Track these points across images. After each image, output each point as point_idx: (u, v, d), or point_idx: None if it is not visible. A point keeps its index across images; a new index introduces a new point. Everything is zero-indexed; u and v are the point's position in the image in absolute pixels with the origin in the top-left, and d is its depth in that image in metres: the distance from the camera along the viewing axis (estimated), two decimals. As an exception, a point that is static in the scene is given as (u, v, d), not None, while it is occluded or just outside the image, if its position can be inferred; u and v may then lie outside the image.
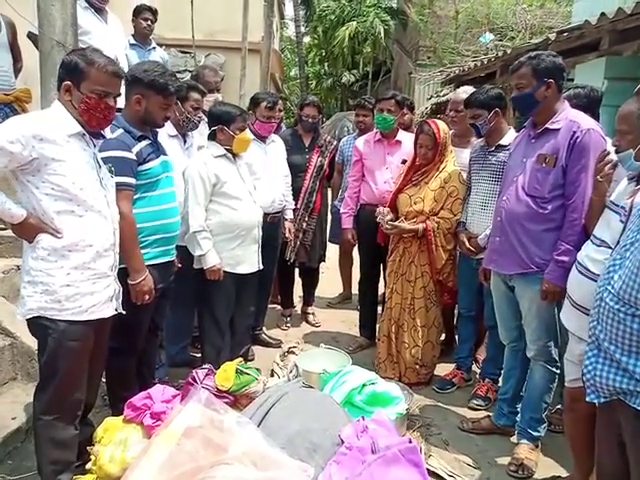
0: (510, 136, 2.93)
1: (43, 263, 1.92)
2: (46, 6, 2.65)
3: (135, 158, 2.29)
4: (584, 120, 2.35)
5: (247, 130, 3.08)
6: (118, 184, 2.19)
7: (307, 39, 24.82)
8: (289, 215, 3.85)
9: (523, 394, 2.73)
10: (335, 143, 4.29)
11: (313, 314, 4.47)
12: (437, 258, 3.23)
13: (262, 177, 3.44)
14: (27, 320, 1.99)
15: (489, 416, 2.92)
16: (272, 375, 3.20)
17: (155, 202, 2.42)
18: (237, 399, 2.61)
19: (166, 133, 2.92)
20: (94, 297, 2.01)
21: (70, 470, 2.11)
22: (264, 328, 3.98)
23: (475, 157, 3.12)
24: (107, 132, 2.33)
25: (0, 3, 3.40)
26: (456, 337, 3.76)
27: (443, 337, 3.72)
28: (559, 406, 2.84)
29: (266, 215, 3.33)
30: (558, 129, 2.37)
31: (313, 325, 4.38)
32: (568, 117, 2.37)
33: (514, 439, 2.73)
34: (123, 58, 4.08)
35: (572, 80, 4.39)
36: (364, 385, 2.60)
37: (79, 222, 1.95)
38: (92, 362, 2.12)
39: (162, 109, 2.35)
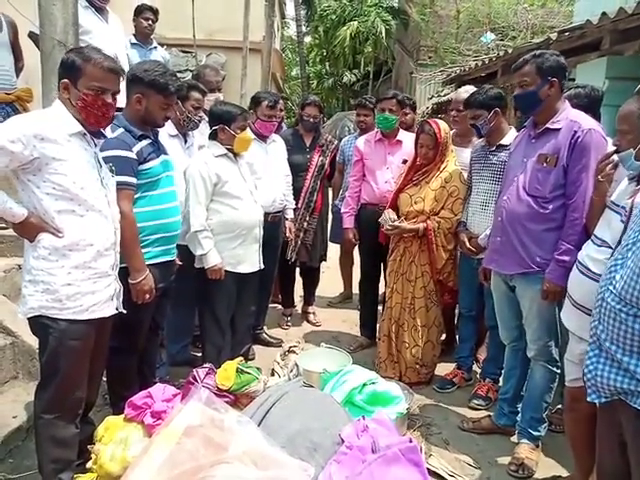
0: (511, 136, 2.93)
1: (44, 262, 1.92)
2: (47, 5, 2.65)
3: (136, 157, 2.29)
4: (585, 120, 2.35)
5: (248, 129, 3.08)
6: (119, 183, 2.19)
7: (308, 39, 24.80)
8: (290, 215, 3.86)
9: (524, 394, 2.73)
10: (336, 143, 4.29)
11: (314, 313, 4.47)
12: (437, 258, 3.23)
13: (263, 176, 3.44)
14: (28, 319, 1.99)
15: (489, 416, 2.92)
16: (273, 374, 3.20)
17: (156, 201, 2.42)
18: (238, 398, 2.61)
19: (167, 132, 2.92)
20: (95, 296, 2.01)
21: (71, 469, 2.12)
22: (265, 327, 3.99)
23: (476, 157, 3.12)
24: (108, 131, 2.34)
25: (1, 3, 3.41)
26: (457, 337, 3.76)
27: (444, 337, 3.72)
28: (559, 406, 2.84)
29: (267, 215, 3.33)
30: (559, 129, 2.37)
31: (314, 324, 4.38)
32: (569, 117, 2.37)
33: (514, 439, 2.73)
34: (124, 57, 4.09)
35: (573, 80, 4.39)
36: (364, 384, 2.60)
37: (80, 221, 1.95)
38: (93, 361, 2.12)
39: (162, 109, 2.35)
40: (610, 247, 1.89)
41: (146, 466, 1.80)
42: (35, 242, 1.92)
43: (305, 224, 4.05)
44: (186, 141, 3.17)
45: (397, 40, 18.03)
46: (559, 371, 2.53)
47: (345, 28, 18.77)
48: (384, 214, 3.33)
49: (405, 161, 3.57)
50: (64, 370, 1.99)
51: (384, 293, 3.76)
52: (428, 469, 2.21)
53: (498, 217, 2.60)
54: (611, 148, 2.11)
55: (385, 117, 3.62)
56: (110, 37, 3.92)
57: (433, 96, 11.01)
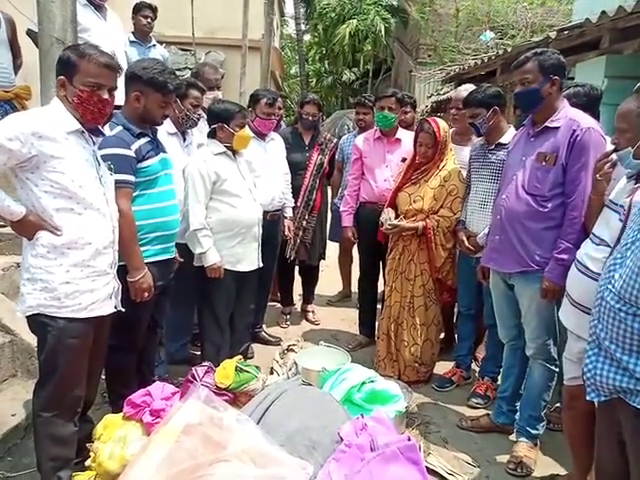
0: (510, 134, 2.93)
1: (42, 260, 1.92)
2: (46, 3, 2.64)
3: (134, 155, 2.29)
4: (584, 119, 2.35)
5: (247, 127, 3.08)
6: (117, 182, 2.19)
7: (307, 37, 24.77)
8: (289, 213, 3.85)
9: (522, 392, 2.73)
10: (335, 141, 4.29)
11: (313, 312, 4.47)
12: (436, 256, 3.24)
13: (262, 175, 3.43)
14: (27, 317, 1.99)
15: (488, 414, 2.93)
16: (272, 373, 3.20)
17: (154, 200, 2.42)
18: (236, 397, 2.61)
19: (165, 131, 2.92)
20: (93, 294, 2.01)
21: (69, 467, 2.12)
22: (264, 326, 3.99)
23: (475, 155, 3.12)
24: (106, 129, 2.33)
25: (0, 0, 3.40)
26: (455, 335, 3.76)
27: (442, 335, 3.72)
28: (558, 404, 2.85)
29: (266, 213, 3.33)
30: (558, 127, 2.37)
31: (313, 323, 4.38)
32: (568, 115, 2.37)
33: (513, 437, 2.74)
34: (123, 55, 4.08)
35: (572, 78, 4.39)
36: (363, 383, 2.60)
37: (78, 220, 1.95)
38: (91, 359, 2.12)
39: (161, 107, 2.35)
40: (608, 246, 1.89)
41: (145, 464, 1.80)
42: (33, 240, 1.92)
43: (304, 223, 4.04)
44: (185, 139, 3.16)
45: (396, 38, 18.01)
46: (557, 370, 2.54)
47: (344, 26, 18.74)
48: (384, 213, 3.33)
49: (404, 159, 3.57)
50: (63, 368, 1.99)
51: (383, 292, 3.76)
52: (427, 467, 2.21)
53: (497, 216, 2.60)
54: (610, 147, 2.11)
55: (384, 115, 3.61)
56: (109, 35, 3.91)
57: (432, 94, 11.02)
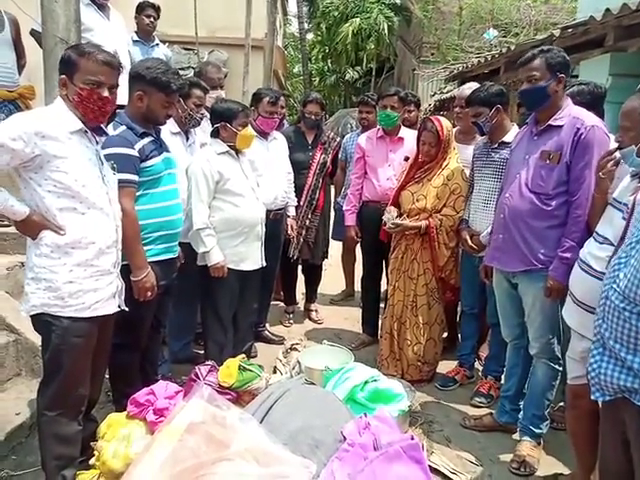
0: (513, 133, 2.92)
1: (46, 260, 1.92)
2: (49, 3, 2.65)
3: (138, 155, 2.29)
4: (587, 117, 2.34)
5: (249, 126, 3.08)
6: (120, 181, 2.19)
7: (310, 36, 24.73)
8: (291, 212, 3.86)
9: (525, 391, 2.72)
10: (338, 140, 4.29)
11: (316, 311, 4.47)
12: (439, 255, 3.23)
13: (264, 174, 3.44)
14: (31, 316, 2.00)
15: (491, 413, 2.92)
16: (275, 372, 3.20)
17: (158, 199, 2.43)
18: (240, 395, 2.61)
19: (168, 130, 2.92)
20: (97, 294, 2.01)
21: (74, 466, 2.12)
22: (267, 325, 3.99)
23: (478, 154, 3.11)
24: (110, 129, 2.34)
25: (4, 0, 3.41)
26: (459, 334, 3.75)
27: (446, 334, 3.72)
28: (561, 403, 2.84)
29: (268, 212, 3.33)
30: (561, 126, 2.37)
31: (316, 322, 4.39)
32: (571, 114, 2.36)
33: (516, 436, 2.73)
34: (126, 54, 4.08)
35: (576, 76, 4.37)
36: (366, 382, 2.60)
37: (81, 219, 1.95)
38: (95, 358, 2.12)
39: (164, 107, 2.35)
40: (612, 244, 1.89)
41: (148, 463, 1.80)
42: (37, 240, 1.93)
43: (307, 222, 4.04)
44: (188, 138, 3.16)
45: (399, 37, 17.98)
46: (561, 368, 2.53)
47: (347, 25, 18.72)
48: (386, 212, 3.32)
49: (407, 158, 3.56)
50: (67, 367, 1.99)
51: (386, 290, 3.76)
52: (430, 466, 2.21)
53: (500, 214, 2.59)
54: (614, 145, 2.10)
55: (387, 114, 3.61)
56: (112, 34, 3.91)
57: (435, 93, 10.99)
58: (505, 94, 3.03)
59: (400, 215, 3.32)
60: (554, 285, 2.36)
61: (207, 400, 1.98)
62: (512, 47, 5.76)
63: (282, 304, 4.48)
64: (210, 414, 1.94)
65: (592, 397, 1.66)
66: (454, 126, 3.55)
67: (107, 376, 2.54)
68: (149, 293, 2.33)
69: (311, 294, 4.49)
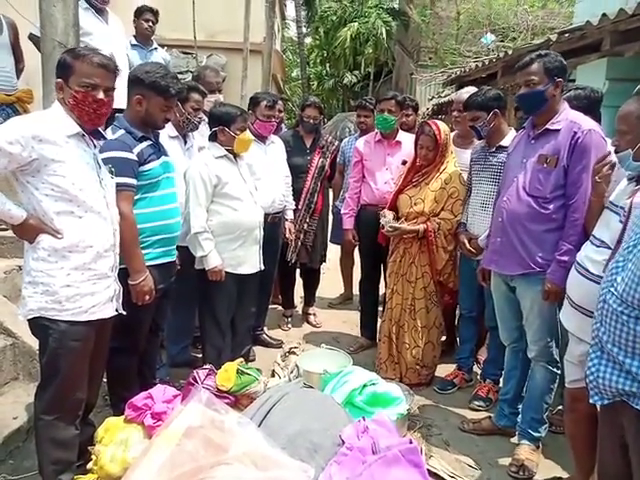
0: (511, 137, 2.92)
1: (44, 264, 1.92)
2: (48, 7, 2.65)
3: (136, 159, 2.29)
4: (584, 121, 2.35)
5: (247, 131, 3.08)
6: (119, 185, 2.19)
7: (309, 40, 24.80)
8: (289, 215, 3.86)
9: (524, 395, 2.72)
10: (336, 144, 4.29)
11: (314, 314, 4.47)
12: (438, 259, 3.24)
13: (262, 177, 3.44)
14: (28, 320, 2.00)
15: (490, 417, 2.92)
16: (273, 375, 3.20)
17: (156, 203, 2.43)
18: (238, 399, 2.61)
19: (166, 134, 2.92)
20: (94, 297, 2.01)
21: (71, 470, 2.12)
22: (265, 328, 3.99)
23: (476, 158, 3.12)
24: (109, 133, 2.34)
25: (2, 4, 3.41)
26: (457, 338, 3.75)
27: (444, 338, 3.72)
28: (560, 407, 2.84)
29: (266, 215, 3.33)
30: (558, 130, 2.38)
31: (314, 325, 4.38)
32: (568, 118, 2.38)
33: (515, 440, 2.73)
34: (124, 58, 4.09)
35: (573, 81, 4.39)
36: (365, 385, 2.60)
37: (79, 223, 1.95)
38: (93, 362, 2.12)
39: (162, 111, 2.35)
40: (609, 248, 1.89)
41: (146, 467, 1.80)
42: (35, 244, 1.93)
43: (305, 225, 4.05)
44: (186, 142, 3.17)
45: (397, 41, 18.03)
46: (559, 372, 2.53)
47: (346, 29, 18.78)
48: (381, 215, 3.32)
49: (404, 162, 3.57)
50: (64, 371, 1.99)
51: (384, 294, 3.76)
52: (428, 470, 2.21)
53: (498, 218, 2.60)
54: (611, 149, 2.11)
55: (384, 118, 3.62)
56: (111, 38, 3.93)
57: (433, 97, 11.02)
58: (502, 98, 3.04)
59: (398, 218, 3.33)
60: (552, 288, 2.36)
61: (205, 404, 1.98)
62: (509, 52, 5.78)
63: (280, 308, 4.47)
64: (208, 418, 1.93)
65: (590, 401, 1.66)
66: (452, 130, 3.56)
67: (105, 380, 2.53)
68: (147, 297, 2.33)
69: (309, 298, 4.48)
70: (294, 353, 3.45)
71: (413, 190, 3.30)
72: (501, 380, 3.04)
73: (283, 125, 4.74)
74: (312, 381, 2.68)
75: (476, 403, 3.14)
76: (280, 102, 4.15)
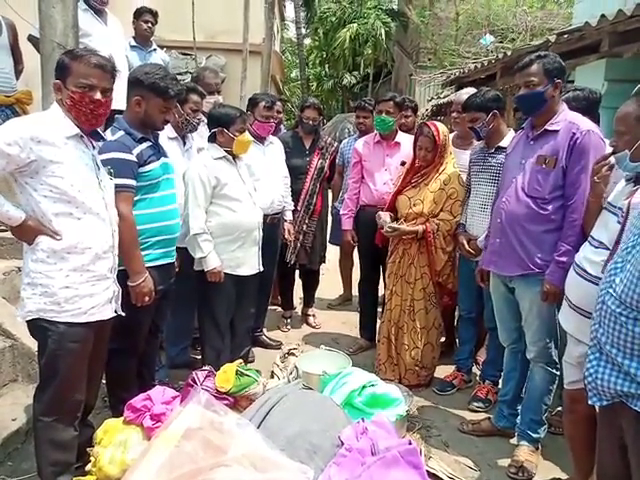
0: (510, 138, 2.93)
1: (42, 265, 1.92)
2: (47, 8, 2.65)
3: (136, 160, 2.29)
4: (583, 122, 2.36)
5: (247, 132, 3.08)
6: (118, 186, 2.19)
7: (308, 41, 24.82)
8: (288, 216, 3.85)
9: (523, 396, 2.72)
10: (336, 145, 4.29)
11: (313, 316, 4.47)
12: (437, 260, 3.24)
13: (261, 178, 3.44)
14: (27, 322, 1.99)
15: (489, 418, 2.92)
16: (272, 377, 3.20)
17: (156, 204, 2.43)
18: (237, 401, 2.61)
19: (165, 135, 2.92)
20: (93, 299, 2.01)
21: (70, 472, 2.12)
22: (264, 330, 3.99)
23: (475, 159, 3.12)
24: (108, 134, 2.34)
25: (1, 5, 3.42)
26: (456, 339, 3.75)
27: (443, 339, 3.72)
28: (559, 408, 2.84)
29: (265, 216, 3.33)
30: (557, 130, 2.38)
31: (313, 327, 4.38)
32: (567, 119, 2.38)
33: (514, 441, 2.73)
34: (123, 59, 4.09)
35: (572, 82, 4.39)
36: (364, 387, 2.60)
37: (77, 224, 1.95)
38: (92, 364, 2.12)
39: (162, 112, 2.35)
40: (607, 248, 1.90)
41: (145, 469, 1.80)
42: (33, 245, 1.93)
43: (304, 227, 4.05)
44: (185, 144, 3.17)
45: (397, 42, 18.05)
46: (558, 373, 2.53)
47: (345, 30, 18.80)
48: (377, 216, 3.32)
49: (403, 163, 3.57)
50: (63, 373, 1.99)
51: (384, 295, 3.76)
52: (428, 471, 2.21)
53: (497, 219, 2.60)
54: (609, 150, 2.11)
55: (382, 119, 3.62)
56: (110, 39, 3.93)
57: (432, 98, 11.02)
58: (501, 99, 3.04)
59: (397, 219, 3.33)
60: (551, 289, 2.36)
61: (204, 405, 1.98)
62: (508, 53, 5.79)
63: (279, 309, 4.47)
64: (207, 419, 1.93)
65: (589, 402, 1.66)
66: (451, 131, 3.56)
67: (104, 381, 2.53)
68: (147, 298, 2.33)
69: (309, 299, 4.48)
70: (293, 354, 3.45)
71: (412, 191, 3.31)
72: (500, 381, 3.04)
73: (282, 126, 4.74)
74: (311, 382, 2.68)
75: (475, 404, 3.14)
76: (279, 103, 4.16)
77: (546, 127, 2.42)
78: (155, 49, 4.67)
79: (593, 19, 3.99)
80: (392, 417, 2.47)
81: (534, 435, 2.60)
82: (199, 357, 3.31)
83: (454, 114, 3.53)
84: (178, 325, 3.32)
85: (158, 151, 2.45)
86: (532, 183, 2.44)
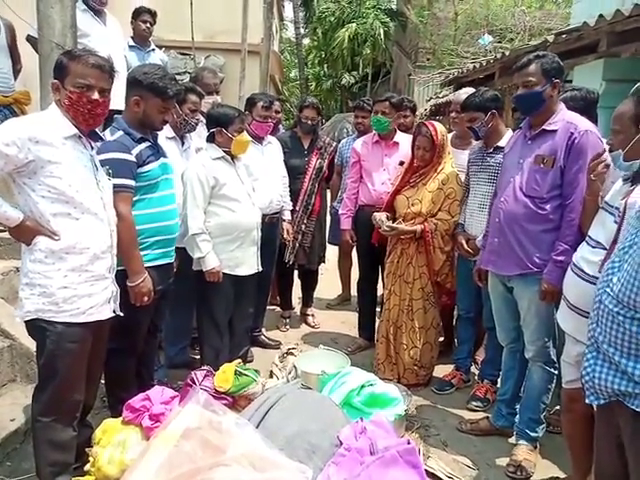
0: (508, 138, 2.93)
1: (40, 265, 1.92)
2: (45, 8, 2.65)
3: (135, 160, 2.29)
4: (581, 122, 2.36)
5: (245, 132, 3.09)
6: (117, 186, 2.19)
7: (307, 41, 24.83)
8: (287, 216, 3.85)
9: (522, 395, 2.73)
10: (334, 145, 4.29)
11: (312, 315, 4.47)
12: (435, 259, 3.24)
13: (259, 178, 3.44)
14: (25, 322, 1.99)
15: (488, 417, 2.92)
16: (271, 376, 3.20)
17: (155, 204, 2.43)
18: (236, 400, 2.61)
19: (164, 135, 2.91)
20: (92, 299, 2.01)
21: (68, 472, 2.11)
22: (263, 329, 3.99)
23: (473, 159, 3.13)
24: (107, 134, 2.34)
25: (-1, 5, 3.41)
26: (455, 338, 3.76)
27: (442, 338, 3.72)
28: (557, 407, 2.84)
29: (264, 216, 3.33)
30: (555, 130, 2.39)
31: (312, 326, 4.38)
32: (565, 118, 2.38)
33: (512, 440, 2.73)
34: (122, 59, 4.09)
35: (570, 81, 4.40)
36: (363, 386, 2.60)
37: (75, 225, 1.95)
38: (90, 364, 2.12)
39: (160, 112, 2.35)
40: (604, 248, 1.90)
41: (144, 469, 1.80)
42: (32, 245, 1.93)
43: (303, 227, 4.05)
44: (183, 144, 3.17)
45: (395, 42, 18.08)
46: (557, 372, 2.53)
47: (343, 30, 18.82)
48: (374, 217, 3.32)
49: (402, 163, 3.58)
50: (61, 373, 1.99)
51: (382, 295, 3.77)
52: (426, 470, 2.22)
53: (495, 218, 2.60)
54: (606, 148, 2.12)
55: (378, 119, 3.63)
56: (108, 40, 3.93)
57: (431, 98, 11.04)
58: (500, 99, 3.05)
59: (395, 219, 3.34)
60: (549, 288, 2.37)
61: (203, 405, 1.98)
62: (507, 52, 5.79)
63: (278, 309, 4.47)
64: (206, 419, 1.93)
65: (586, 401, 1.67)
66: (450, 131, 3.57)
67: (103, 381, 2.53)
68: (146, 298, 2.33)
69: (307, 298, 4.48)
70: (292, 354, 3.46)
71: (410, 191, 3.31)
72: (499, 380, 3.04)
73: (281, 126, 4.74)
74: (310, 382, 2.69)
75: (474, 403, 3.14)
76: (277, 103, 4.16)
77: (544, 127, 2.42)
78: (154, 49, 4.67)
79: (591, 19, 4.00)
80: (391, 416, 2.48)
81: (532, 434, 2.60)
82: (198, 357, 3.31)
83: (453, 114, 3.53)
84: (177, 325, 3.32)
85: (157, 151, 2.45)
86: (530, 183, 2.44)
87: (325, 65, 23.00)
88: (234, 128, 2.94)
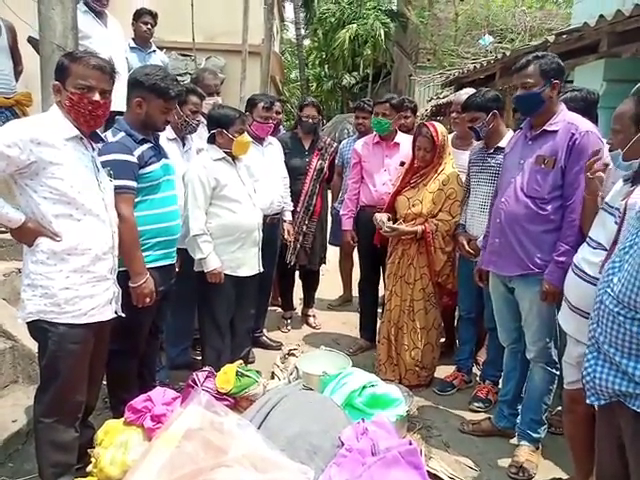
0: (509, 138, 2.93)
1: (42, 267, 1.92)
2: (47, 10, 2.66)
3: (136, 161, 2.30)
4: (582, 122, 2.36)
5: (246, 133, 3.09)
6: (119, 187, 2.20)
7: (307, 42, 24.84)
8: (288, 217, 3.86)
9: (523, 396, 2.73)
10: (335, 145, 4.29)
11: (314, 316, 4.47)
12: (436, 260, 3.24)
13: (260, 179, 3.44)
14: (27, 323, 2.00)
15: (489, 418, 2.92)
16: (272, 377, 3.20)
17: (157, 205, 2.43)
18: (237, 401, 2.61)
19: (165, 136, 2.92)
20: (93, 300, 2.01)
21: (70, 473, 2.12)
22: (265, 330, 3.99)
23: (474, 159, 3.13)
24: (109, 135, 2.34)
25: (0, 7, 3.42)
26: (456, 339, 3.76)
27: (443, 339, 3.72)
28: (559, 408, 2.84)
29: (265, 217, 3.33)
30: (556, 131, 2.39)
31: (313, 327, 4.38)
32: (566, 119, 2.38)
33: (514, 441, 2.73)
34: (123, 61, 4.10)
35: (571, 82, 4.40)
36: (364, 387, 2.60)
37: (77, 226, 1.95)
38: (92, 365, 2.12)
39: (162, 113, 2.36)
40: (605, 249, 1.90)
41: (146, 470, 1.80)
42: (33, 247, 1.93)
43: (304, 227, 4.05)
44: (184, 145, 3.17)
45: (396, 43, 18.08)
46: (558, 373, 2.53)
47: (344, 31, 18.82)
48: (374, 218, 3.32)
49: (403, 163, 3.58)
50: (63, 374, 1.99)
51: (384, 296, 3.77)
52: (428, 471, 2.21)
53: (496, 219, 2.60)
54: (607, 148, 2.13)
55: (378, 121, 3.64)
56: (109, 41, 3.94)
57: (432, 98, 11.03)
58: (501, 99, 3.05)
59: (395, 220, 3.34)
60: (550, 289, 2.37)
61: (205, 406, 1.98)
62: (507, 53, 5.80)
63: (280, 310, 4.47)
64: (208, 420, 1.93)
65: (587, 401, 1.66)
66: (450, 131, 3.57)
67: (104, 382, 2.53)
68: (147, 299, 2.33)
69: (309, 299, 4.48)
70: (293, 355, 3.46)
71: (411, 191, 3.31)
72: (500, 381, 3.04)
73: (282, 127, 4.74)
74: (311, 383, 2.69)
75: (475, 404, 3.14)
76: (278, 104, 4.16)
77: (545, 127, 2.42)
78: (154, 50, 4.68)
79: (592, 19, 4.00)
80: (392, 417, 2.48)
81: (534, 435, 2.60)
82: (199, 358, 3.31)
83: (453, 114, 3.53)
84: (178, 326, 3.32)
85: (159, 152, 2.46)
86: (531, 183, 2.44)
87: (326, 66, 23.00)
88: (235, 129, 2.94)
